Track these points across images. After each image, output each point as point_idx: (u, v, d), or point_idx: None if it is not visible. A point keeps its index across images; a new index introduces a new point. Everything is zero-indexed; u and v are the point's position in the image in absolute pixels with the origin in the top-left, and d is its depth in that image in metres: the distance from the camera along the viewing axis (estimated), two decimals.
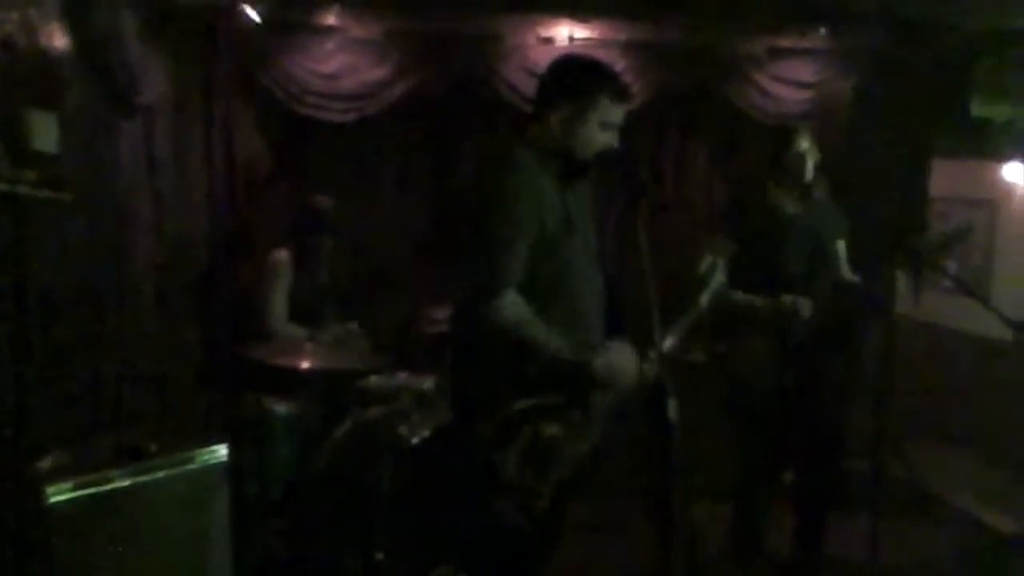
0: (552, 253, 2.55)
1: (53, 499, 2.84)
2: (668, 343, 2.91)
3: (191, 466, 3.24)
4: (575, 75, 2.69)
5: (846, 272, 3.89)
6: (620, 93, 2.70)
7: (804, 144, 3.69)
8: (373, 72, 5.26)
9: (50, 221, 3.54)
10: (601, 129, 2.64)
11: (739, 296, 3.71)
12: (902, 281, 3.53)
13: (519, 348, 2.50)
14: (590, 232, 2.77)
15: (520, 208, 2.49)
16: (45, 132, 3.44)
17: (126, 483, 3.03)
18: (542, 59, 5.19)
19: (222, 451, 3.34)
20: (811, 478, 3.94)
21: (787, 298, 3.63)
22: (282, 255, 4.48)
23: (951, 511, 4.74)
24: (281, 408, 4.03)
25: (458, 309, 2.78)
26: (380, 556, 3.72)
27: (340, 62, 5.24)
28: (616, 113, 2.66)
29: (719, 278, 3.18)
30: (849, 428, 4.15)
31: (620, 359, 2.64)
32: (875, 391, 3.52)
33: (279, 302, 4.44)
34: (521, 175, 2.54)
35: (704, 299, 3.04)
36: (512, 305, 2.48)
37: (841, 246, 3.92)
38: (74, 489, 2.89)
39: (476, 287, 2.50)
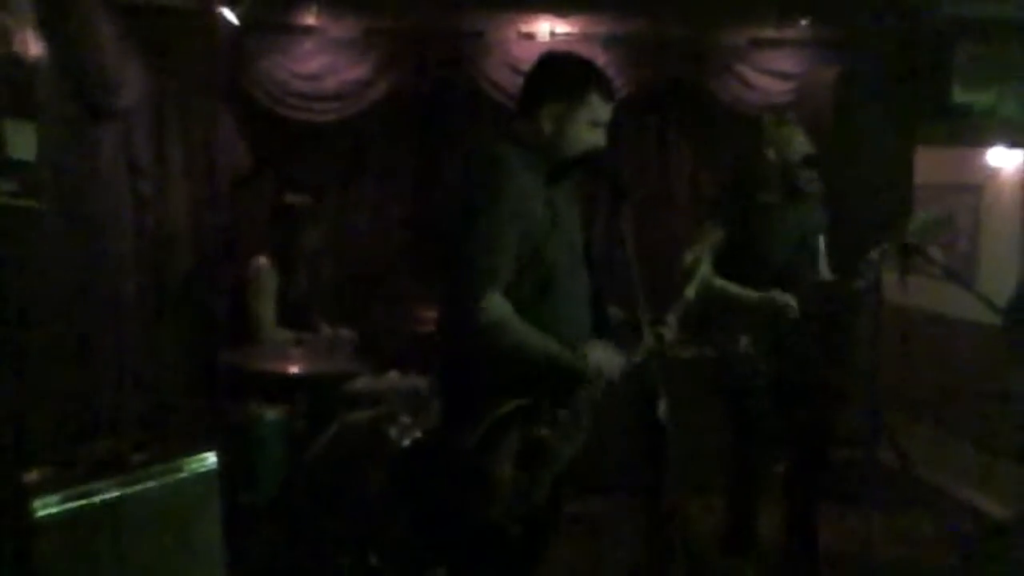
0: (538, 254, 2.52)
1: (39, 513, 2.80)
2: (668, 333, 2.88)
3: (180, 475, 3.20)
4: (567, 73, 2.66)
5: (825, 270, 3.88)
6: (609, 91, 2.67)
7: (787, 136, 3.67)
8: (353, 71, 5.24)
9: (30, 229, 3.50)
10: (590, 127, 2.61)
11: (731, 287, 3.70)
12: (887, 271, 3.51)
13: (509, 351, 2.47)
14: (576, 232, 2.73)
15: (505, 207, 2.44)
16: (21, 140, 3.40)
17: (114, 495, 2.99)
18: (524, 55, 5.19)
19: (211, 459, 3.30)
20: (800, 470, 3.93)
21: (778, 294, 3.61)
22: (262, 262, 4.42)
23: (945, 499, 4.74)
24: (270, 413, 3.99)
25: (444, 311, 2.74)
26: (373, 559, 3.70)
27: (320, 62, 5.22)
28: (605, 111, 2.64)
29: (704, 270, 3.17)
30: (843, 418, 4.15)
31: (605, 355, 2.60)
32: (866, 380, 3.51)
33: (265, 309, 4.38)
34: (506, 173, 2.48)
35: (690, 291, 3.01)
36: (496, 307, 2.41)
37: (821, 243, 3.91)
38: (61, 503, 2.85)
39: (460, 288, 2.45)
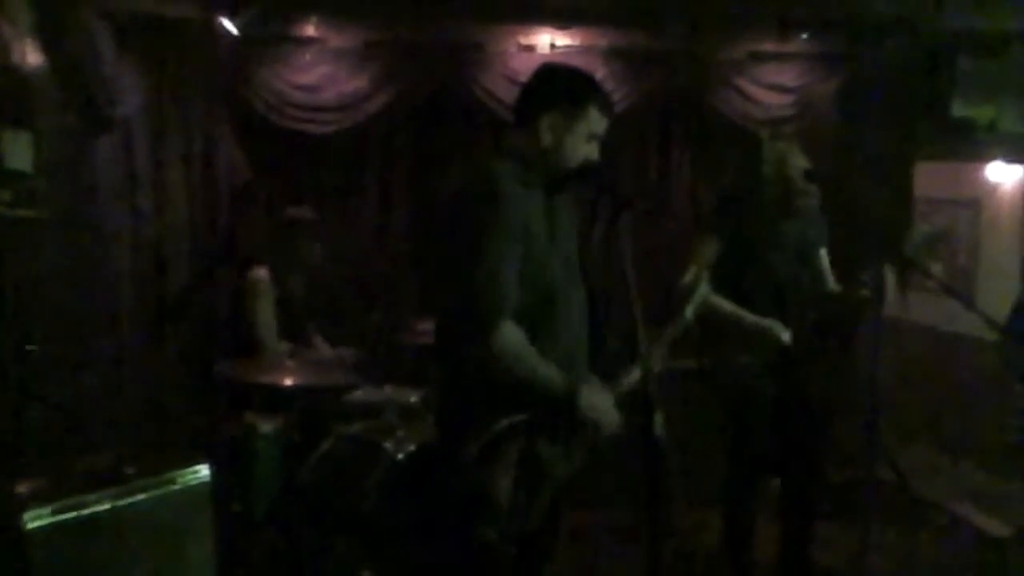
0: (537, 270, 2.50)
1: (31, 525, 2.78)
2: (657, 355, 2.86)
3: (173, 488, 3.17)
4: (567, 84, 2.64)
5: (830, 282, 3.86)
6: (608, 106, 2.66)
7: (784, 152, 3.66)
8: (353, 83, 5.24)
9: (27, 239, 3.50)
10: (586, 140, 2.59)
11: (726, 306, 3.68)
12: (890, 284, 3.49)
13: (509, 377, 2.45)
14: (573, 246, 2.72)
15: (506, 231, 2.42)
16: (19, 151, 3.40)
17: (106, 507, 2.96)
18: (523, 67, 5.18)
19: (204, 472, 3.27)
20: (796, 487, 3.91)
21: (774, 323, 3.60)
22: (261, 273, 4.40)
23: (942, 516, 4.72)
24: (265, 426, 3.97)
25: (444, 329, 2.71)
26: (366, 574, 3.67)
27: (319, 73, 5.21)
28: (602, 125, 2.62)
29: (703, 289, 3.15)
30: (841, 436, 4.13)
31: (603, 402, 2.58)
32: (865, 396, 3.49)
33: (265, 320, 4.37)
34: (505, 194, 2.46)
35: (689, 311, 2.99)
36: (511, 336, 2.42)
37: (823, 255, 3.89)
38: (52, 514, 2.83)
39: (471, 316, 2.42)
